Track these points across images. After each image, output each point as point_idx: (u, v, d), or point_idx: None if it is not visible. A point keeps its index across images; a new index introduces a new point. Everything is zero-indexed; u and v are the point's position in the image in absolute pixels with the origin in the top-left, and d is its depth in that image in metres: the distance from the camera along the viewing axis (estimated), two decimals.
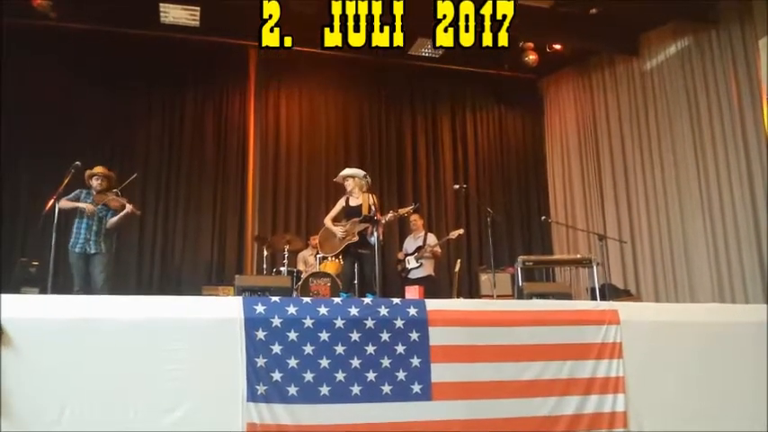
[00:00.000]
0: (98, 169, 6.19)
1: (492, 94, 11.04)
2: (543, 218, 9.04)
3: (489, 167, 10.83)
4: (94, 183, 6.13)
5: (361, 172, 6.50)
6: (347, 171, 6.56)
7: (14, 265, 7.53)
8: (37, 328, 3.63)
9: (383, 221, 6.25)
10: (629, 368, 4.54)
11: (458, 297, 7.91)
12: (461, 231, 7.99)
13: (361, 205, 6.37)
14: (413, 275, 7.55)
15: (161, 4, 8.29)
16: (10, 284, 6.86)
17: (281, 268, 7.75)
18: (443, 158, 10.64)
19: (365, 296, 6.07)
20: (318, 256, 7.60)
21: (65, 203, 5.84)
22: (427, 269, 7.65)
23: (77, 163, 5.85)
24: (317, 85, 10.24)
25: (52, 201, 5.59)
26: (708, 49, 8.21)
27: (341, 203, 6.51)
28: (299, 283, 7.15)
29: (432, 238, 7.90)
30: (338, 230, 6.35)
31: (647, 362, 4.60)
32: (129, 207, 6.12)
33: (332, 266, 7.47)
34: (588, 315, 4.64)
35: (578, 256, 7.29)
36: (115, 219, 6.14)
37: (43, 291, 5.85)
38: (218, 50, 9.39)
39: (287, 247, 7.80)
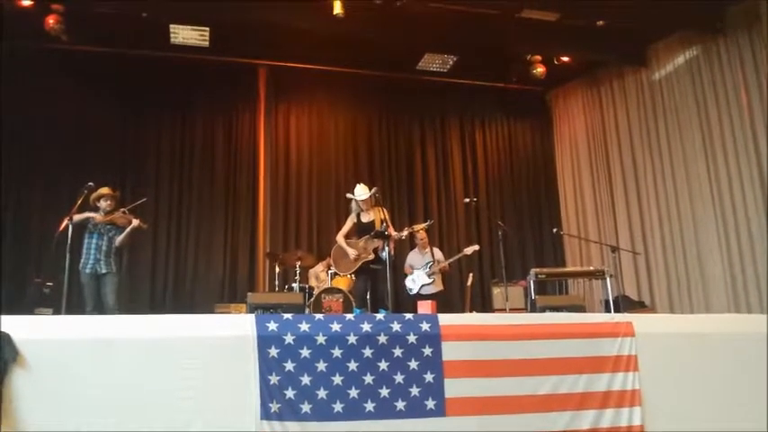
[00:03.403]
0: (104, 190, 6.22)
1: (500, 108, 11.06)
2: (555, 230, 9.00)
3: (499, 181, 10.82)
4: (103, 204, 6.17)
5: (366, 192, 6.46)
6: (357, 194, 6.48)
7: (29, 285, 7.59)
8: (52, 349, 3.65)
9: (397, 237, 6.24)
10: (644, 381, 4.49)
11: (470, 311, 7.86)
12: (477, 247, 7.90)
13: (373, 221, 6.36)
14: (425, 291, 7.49)
15: (171, 26, 8.39)
16: (24, 305, 6.92)
17: (293, 284, 7.75)
18: (453, 172, 10.65)
19: (377, 312, 6.06)
20: (330, 271, 7.59)
21: (77, 216, 5.86)
22: (438, 285, 7.61)
23: (90, 183, 5.91)
24: (325, 102, 10.31)
25: (66, 221, 5.63)
26: (716, 57, 8.18)
27: (352, 219, 6.50)
28: (312, 300, 7.14)
29: (439, 254, 7.88)
30: (351, 251, 6.32)
31: (663, 374, 4.56)
32: (135, 221, 6.16)
33: (344, 282, 7.46)
34: (603, 328, 4.61)
35: (591, 268, 7.24)
36: (122, 236, 6.18)
37: (57, 311, 5.88)
38: (227, 70, 9.48)
39: (299, 264, 7.81)
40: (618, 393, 4.41)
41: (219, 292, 9.05)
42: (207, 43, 8.79)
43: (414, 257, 7.88)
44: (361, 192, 6.43)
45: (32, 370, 3.56)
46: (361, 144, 10.39)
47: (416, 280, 7.54)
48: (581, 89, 10.50)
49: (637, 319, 4.72)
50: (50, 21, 7.62)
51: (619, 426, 4.35)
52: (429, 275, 7.50)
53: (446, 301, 7.33)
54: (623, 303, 7.12)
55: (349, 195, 6.52)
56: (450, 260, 7.87)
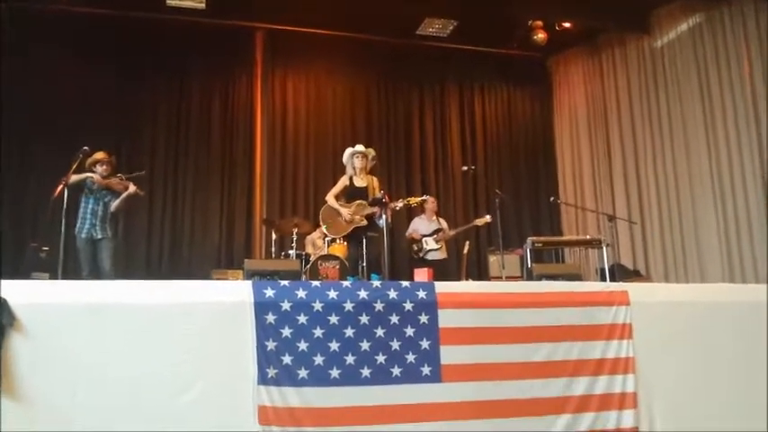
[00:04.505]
0: (99, 155, 6.18)
1: (500, 75, 10.95)
2: (552, 199, 8.98)
3: (498, 149, 10.77)
4: (99, 169, 6.13)
5: (364, 149, 6.44)
6: (360, 147, 6.47)
7: (26, 250, 7.57)
8: (48, 314, 3.64)
9: (392, 207, 6.22)
10: (639, 349, 4.52)
11: (467, 279, 7.90)
12: (489, 219, 7.90)
13: (366, 187, 6.33)
14: (431, 257, 7.54)
15: None
16: (21, 270, 6.91)
17: (290, 251, 7.74)
18: (451, 140, 10.60)
19: (371, 278, 6.07)
20: (327, 239, 7.59)
21: (73, 177, 5.80)
22: (443, 252, 7.66)
23: (86, 148, 5.85)
24: (323, 67, 10.19)
25: (61, 186, 5.59)
26: (720, 25, 8.09)
27: (344, 181, 6.46)
28: (308, 267, 7.14)
29: (444, 223, 7.90)
30: (345, 212, 6.31)
31: (657, 342, 4.57)
32: (132, 188, 6.14)
33: (340, 249, 7.44)
34: (598, 296, 4.61)
35: (588, 237, 7.25)
36: (118, 201, 6.16)
37: (54, 276, 5.88)
38: (224, 33, 9.36)
39: (295, 230, 7.79)
40: (612, 361, 4.43)
41: (216, 258, 9.07)
42: (203, 5, 8.62)
43: (419, 223, 7.91)
44: (361, 147, 6.39)
45: (30, 335, 3.56)
46: (358, 110, 10.30)
47: (427, 243, 7.56)
48: (582, 56, 10.39)
49: (632, 288, 4.72)
50: None
51: (612, 392, 4.38)
52: (436, 242, 7.57)
53: (443, 269, 7.34)
54: (619, 272, 7.15)
55: (349, 149, 6.47)
56: (459, 229, 7.90)
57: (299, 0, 8.34)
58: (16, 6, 7.69)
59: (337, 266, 7.11)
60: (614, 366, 4.43)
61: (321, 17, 9.02)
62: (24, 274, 6.48)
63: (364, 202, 6.29)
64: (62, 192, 5.57)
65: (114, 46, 8.91)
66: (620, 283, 5.18)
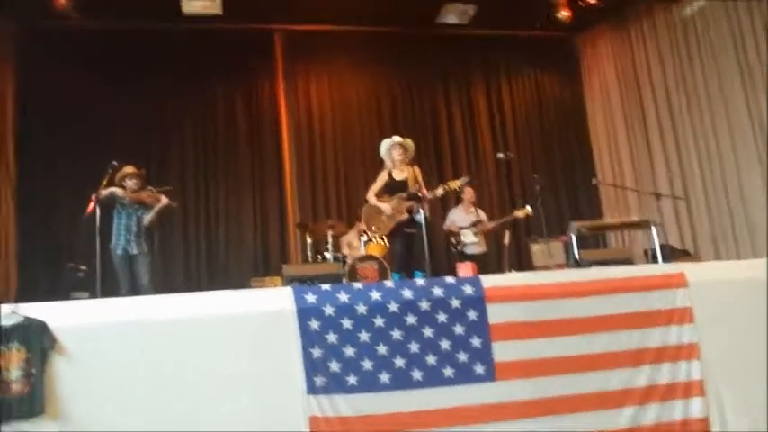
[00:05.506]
0: (129, 169, 6.12)
1: (526, 58, 10.66)
2: (594, 180, 8.67)
3: (529, 134, 10.50)
4: (129, 183, 6.08)
5: (402, 139, 6.24)
6: (397, 138, 6.30)
7: (62, 270, 7.59)
8: (89, 334, 3.60)
9: (432, 197, 6.03)
10: (701, 333, 4.29)
11: (510, 271, 7.67)
12: (530, 211, 7.64)
13: (406, 179, 6.16)
14: (469, 251, 7.32)
15: None
16: (60, 290, 6.92)
17: (326, 254, 7.61)
18: (480, 128, 10.38)
19: (413, 276, 5.91)
20: (363, 239, 7.43)
21: (103, 192, 5.75)
22: (482, 245, 7.44)
23: (114, 162, 5.82)
24: (345, 63, 10.05)
25: (93, 203, 5.54)
26: None
27: (383, 177, 6.29)
28: (346, 269, 7.00)
29: (482, 214, 7.68)
30: (385, 207, 6.15)
31: (720, 325, 4.34)
32: (164, 200, 6.09)
33: (377, 248, 7.26)
34: (654, 280, 4.40)
35: (635, 218, 6.95)
36: (151, 214, 6.12)
37: (93, 294, 5.85)
38: (243, 37, 9.26)
39: (330, 232, 7.66)
40: (674, 348, 4.23)
41: (253, 265, 9.01)
42: (220, 11, 8.53)
43: (457, 215, 7.68)
44: (398, 138, 6.22)
45: (71, 357, 3.51)
46: (383, 105, 10.15)
47: (465, 236, 7.35)
48: (608, 31, 10.04)
49: (689, 269, 4.50)
50: None
51: (677, 381, 4.18)
52: (475, 234, 7.35)
53: (484, 263, 7.13)
54: (668, 253, 6.85)
55: (386, 141, 6.30)
56: (499, 221, 7.67)
57: None
58: (31, 27, 7.68)
59: (375, 267, 6.93)
60: (677, 353, 4.22)
61: (338, 12, 8.89)
62: (64, 295, 6.48)
63: (404, 195, 6.11)
64: (94, 208, 5.53)
65: (134, 59, 8.85)
66: (677, 263, 4.93)
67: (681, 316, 4.30)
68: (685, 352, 4.21)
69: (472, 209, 7.69)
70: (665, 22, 9.05)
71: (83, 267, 7.32)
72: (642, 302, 4.27)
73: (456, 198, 7.92)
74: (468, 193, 7.65)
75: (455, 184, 6.27)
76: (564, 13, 9.12)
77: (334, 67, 10.06)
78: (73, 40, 8.35)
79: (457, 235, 7.47)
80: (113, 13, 8.29)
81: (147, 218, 6.13)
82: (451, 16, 9.34)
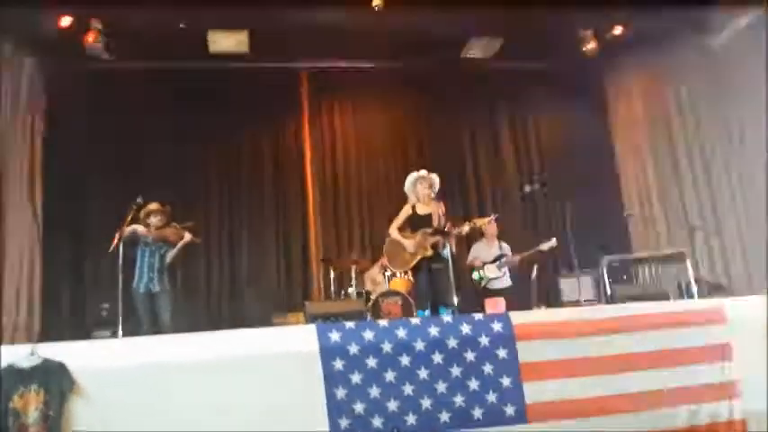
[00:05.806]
0: (153, 206, 6.13)
1: (551, 90, 10.57)
2: (627, 213, 8.48)
3: (555, 166, 10.36)
4: (153, 220, 6.09)
5: (428, 174, 6.17)
6: (423, 172, 6.21)
7: (85, 308, 7.59)
8: (109, 376, 3.53)
9: (457, 233, 5.92)
10: (742, 370, 4.09)
11: (538, 307, 7.48)
12: (554, 243, 7.52)
13: (430, 214, 6.06)
14: (494, 285, 7.17)
15: (209, 32, 8.23)
16: (83, 328, 6.90)
17: (350, 290, 7.52)
18: (505, 161, 10.29)
19: (438, 312, 5.77)
20: (387, 274, 7.32)
21: (126, 230, 5.74)
22: (506, 280, 7.28)
23: (139, 200, 5.83)
24: (370, 98, 10.08)
25: (117, 240, 5.53)
26: None
27: (407, 211, 6.20)
28: (370, 305, 6.89)
29: (507, 247, 7.56)
30: (408, 243, 6.05)
31: (761, 361, 4.13)
32: (187, 236, 6.08)
33: (401, 284, 7.17)
34: (690, 315, 4.23)
35: (669, 251, 6.73)
36: (174, 250, 6.10)
37: (114, 333, 5.81)
38: (269, 75, 9.35)
39: (354, 267, 7.57)
40: (715, 386, 4.03)
41: (275, 302, 8.92)
42: (246, 49, 8.62)
43: (481, 249, 7.56)
44: (425, 172, 6.15)
45: (90, 398, 3.43)
46: (408, 141, 10.15)
47: (489, 270, 7.22)
48: (635, 64, 9.91)
49: (727, 304, 4.31)
50: (89, 38, 7.59)
51: (718, 422, 3.97)
52: (499, 268, 7.21)
53: (509, 299, 6.96)
54: (702, 287, 6.63)
55: (413, 175, 6.22)
56: (524, 255, 7.53)
57: (339, 35, 8.24)
58: (61, 68, 7.80)
59: (399, 302, 6.83)
60: (719, 392, 4.02)
61: (363, 49, 8.93)
62: (86, 334, 6.46)
63: (428, 231, 6.00)
64: (117, 246, 5.52)
65: (159, 98, 8.93)
66: (715, 299, 4.74)
67: (721, 353, 4.11)
68: (727, 390, 4.02)
69: (496, 242, 7.56)
70: (693, 52, 8.92)
71: (105, 305, 7.31)
72: (679, 339, 4.10)
73: (480, 232, 7.80)
74: (491, 227, 7.51)
75: (482, 222, 6.17)
76: (591, 46, 9.03)
77: (358, 102, 10.11)
78: (101, 81, 8.49)
79: (475, 270, 7.33)
80: (142, 54, 8.42)
81: (171, 254, 6.11)
82: (476, 50, 9.33)
